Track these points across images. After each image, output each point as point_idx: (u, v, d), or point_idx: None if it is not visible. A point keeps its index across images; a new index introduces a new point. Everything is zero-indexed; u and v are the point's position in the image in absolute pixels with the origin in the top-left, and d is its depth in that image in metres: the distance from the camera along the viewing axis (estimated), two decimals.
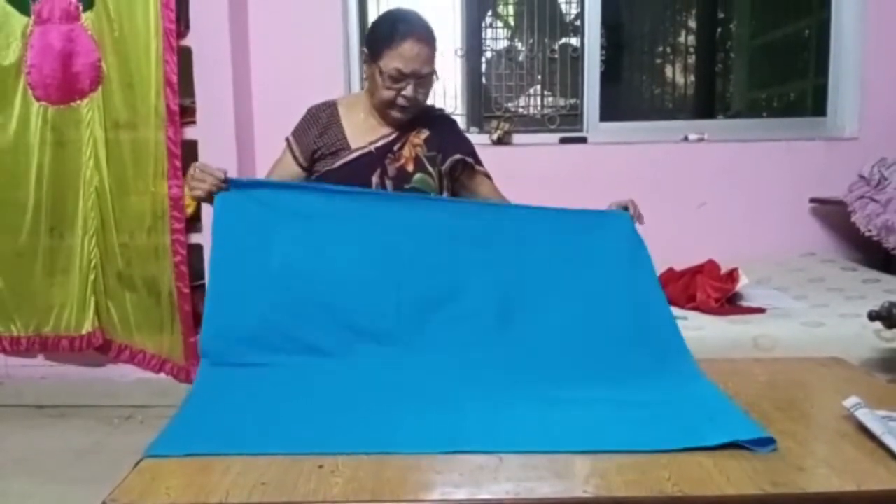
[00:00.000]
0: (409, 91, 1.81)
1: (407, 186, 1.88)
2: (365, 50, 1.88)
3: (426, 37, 1.82)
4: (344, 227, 1.68)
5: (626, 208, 1.81)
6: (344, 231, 1.68)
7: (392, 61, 1.78)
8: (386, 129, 1.92)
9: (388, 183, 1.88)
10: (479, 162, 2.00)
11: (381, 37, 1.82)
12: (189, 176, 1.67)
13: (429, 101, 1.97)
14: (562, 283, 1.69)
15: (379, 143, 1.90)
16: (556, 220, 1.77)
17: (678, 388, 1.42)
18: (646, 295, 1.70)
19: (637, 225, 1.80)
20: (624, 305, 1.67)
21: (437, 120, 2.00)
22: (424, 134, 1.93)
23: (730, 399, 1.34)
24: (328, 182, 1.88)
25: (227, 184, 1.65)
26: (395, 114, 1.87)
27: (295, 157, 1.94)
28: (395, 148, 1.91)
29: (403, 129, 1.92)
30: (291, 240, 1.64)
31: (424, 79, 1.83)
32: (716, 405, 1.31)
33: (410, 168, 1.90)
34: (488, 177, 2.01)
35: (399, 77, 1.80)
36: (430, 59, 1.83)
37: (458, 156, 1.95)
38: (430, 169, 1.91)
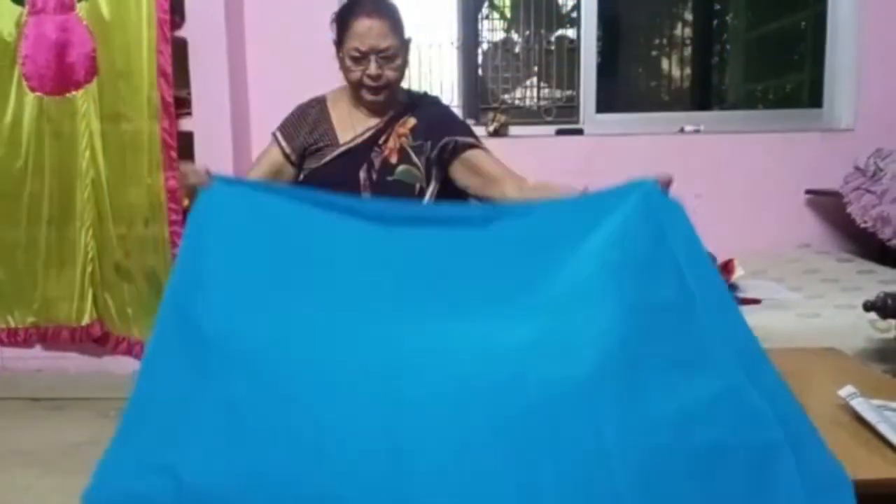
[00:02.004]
0: (372, 69, 1.80)
1: (390, 178, 1.86)
2: (334, 41, 1.89)
3: (378, 11, 1.81)
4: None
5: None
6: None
7: (350, 42, 1.80)
8: (372, 121, 1.91)
9: (374, 175, 1.87)
10: (477, 142, 1.92)
11: (339, 24, 1.85)
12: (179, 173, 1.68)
13: (424, 90, 1.96)
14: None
15: (365, 136, 1.89)
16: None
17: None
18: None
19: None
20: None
21: (426, 107, 1.97)
22: (411, 122, 1.91)
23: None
24: (316, 180, 1.85)
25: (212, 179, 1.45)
26: (368, 95, 1.86)
27: (284, 152, 1.92)
28: (381, 140, 1.89)
29: (390, 119, 1.91)
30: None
31: (386, 53, 1.81)
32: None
33: (394, 160, 1.88)
34: (488, 152, 1.92)
35: (359, 56, 1.80)
36: (387, 33, 1.81)
37: (445, 139, 1.89)
38: (416, 159, 1.89)
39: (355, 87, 1.87)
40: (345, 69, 1.86)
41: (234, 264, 1.27)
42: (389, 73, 1.83)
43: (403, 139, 1.89)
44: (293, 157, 1.92)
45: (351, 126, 1.91)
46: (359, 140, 1.89)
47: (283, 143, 1.93)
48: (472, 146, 1.90)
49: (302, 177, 1.93)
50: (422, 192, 1.90)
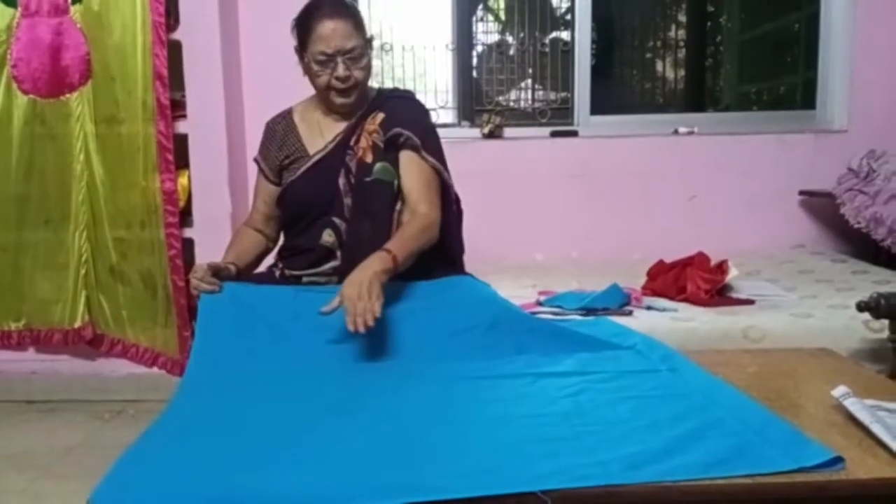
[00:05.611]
0: (339, 70, 1.78)
1: (368, 179, 1.81)
2: (296, 48, 1.86)
3: (339, 12, 1.79)
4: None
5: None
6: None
7: (315, 46, 1.78)
8: (341, 125, 1.88)
9: (352, 179, 1.82)
10: (426, 147, 1.84)
11: (300, 29, 1.82)
12: (192, 275, 1.72)
13: (408, 88, 1.91)
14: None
15: (336, 141, 1.86)
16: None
17: (702, 397, 1.33)
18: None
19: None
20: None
21: (394, 100, 1.92)
22: (380, 117, 1.85)
23: (763, 406, 1.26)
24: (294, 192, 1.87)
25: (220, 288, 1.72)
26: (338, 98, 1.83)
27: (266, 176, 1.95)
28: (353, 142, 1.85)
29: (358, 118, 1.86)
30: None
31: (352, 54, 1.79)
32: (756, 417, 1.22)
33: (369, 159, 1.82)
34: (435, 169, 1.85)
35: (325, 59, 1.78)
36: (350, 33, 1.78)
37: (396, 129, 1.83)
38: (389, 154, 1.84)
39: (324, 92, 1.84)
40: (311, 74, 1.83)
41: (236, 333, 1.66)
42: (357, 74, 1.81)
43: (375, 135, 1.83)
44: (273, 178, 1.94)
45: (320, 134, 1.88)
46: (329, 147, 1.86)
47: (263, 166, 1.96)
48: (415, 149, 1.84)
49: (281, 191, 1.91)
50: (400, 189, 1.84)
